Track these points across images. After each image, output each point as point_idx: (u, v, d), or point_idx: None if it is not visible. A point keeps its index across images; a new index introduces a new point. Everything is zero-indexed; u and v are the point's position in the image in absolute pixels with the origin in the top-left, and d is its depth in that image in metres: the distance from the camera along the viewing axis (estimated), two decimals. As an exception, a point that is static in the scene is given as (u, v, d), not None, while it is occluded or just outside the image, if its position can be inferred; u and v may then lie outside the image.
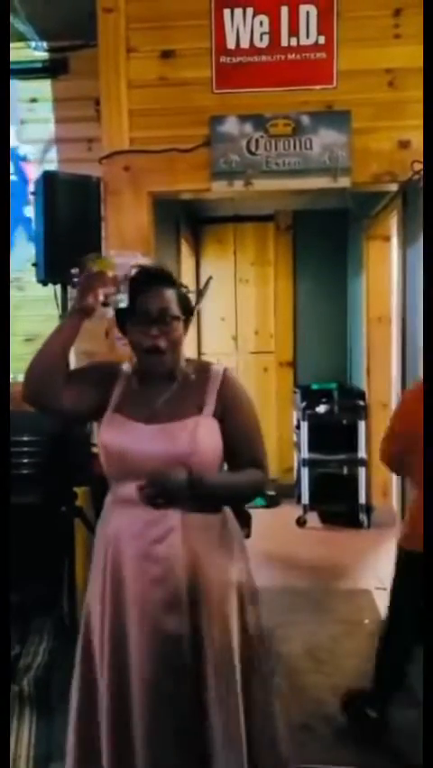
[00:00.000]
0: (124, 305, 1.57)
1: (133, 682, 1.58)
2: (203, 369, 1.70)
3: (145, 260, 3.29)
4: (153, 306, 1.60)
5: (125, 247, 3.29)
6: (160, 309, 1.60)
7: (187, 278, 5.18)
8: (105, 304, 1.56)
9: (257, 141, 3.23)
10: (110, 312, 1.61)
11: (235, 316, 6.07)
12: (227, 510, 1.71)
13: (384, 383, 4.76)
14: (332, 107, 3.22)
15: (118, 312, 1.61)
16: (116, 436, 1.62)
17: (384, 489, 4.87)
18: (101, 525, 1.73)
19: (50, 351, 1.63)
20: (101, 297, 1.55)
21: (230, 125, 3.23)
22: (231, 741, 1.58)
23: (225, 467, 1.71)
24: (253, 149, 3.23)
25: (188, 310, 1.67)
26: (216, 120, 3.24)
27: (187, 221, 5.37)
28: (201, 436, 1.60)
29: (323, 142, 3.20)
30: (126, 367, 1.74)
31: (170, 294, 1.63)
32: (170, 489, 1.52)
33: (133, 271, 1.63)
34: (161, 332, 1.60)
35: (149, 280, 1.62)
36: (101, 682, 1.65)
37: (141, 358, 1.66)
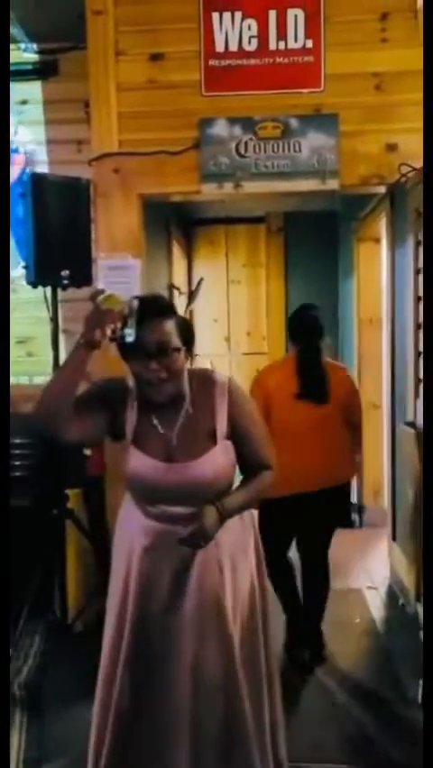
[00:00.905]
0: (131, 339, 1.57)
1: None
2: (208, 383, 1.72)
3: (135, 263, 3.32)
4: (152, 339, 1.60)
5: (115, 249, 3.31)
6: (158, 342, 1.61)
7: (179, 279, 5.19)
8: (112, 339, 1.57)
9: (246, 143, 3.25)
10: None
11: (228, 318, 6.09)
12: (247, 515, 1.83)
13: (375, 384, 4.77)
14: (320, 110, 3.24)
15: (120, 343, 1.62)
16: (141, 471, 1.67)
17: (376, 488, 4.89)
18: (122, 535, 1.80)
19: (59, 386, 1.64)
20: (108, 332, 1.55)
21: (219, 128, 3.25)
22: (257, 730, 1.70)
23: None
24: (242, 151, 3.25)
25: (188, 339, 1.69)
26: (205, 122, 3.26)
27: (178, 223, 5.39)
28: (220, 466, 1.69)
29: (311, 145, 3.22)
30: (132, 383, 1.73)
31: (170, 325, 1.63)
32: (208, 532, 1.61)
33: (135, 303, 1.60)
34: (161, 365, 1.61)
35: (147, 312, 1.60)
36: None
37: (142, 388, 1.68)
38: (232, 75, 3.26)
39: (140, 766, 1.71)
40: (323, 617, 2.94)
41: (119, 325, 1.55)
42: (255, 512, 1.93)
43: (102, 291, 1.58)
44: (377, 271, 4.76)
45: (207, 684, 1.66)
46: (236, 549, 1.76)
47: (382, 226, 4.27)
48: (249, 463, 1.77)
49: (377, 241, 4.73)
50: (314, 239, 5.87)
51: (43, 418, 1.64)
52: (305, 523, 2.85)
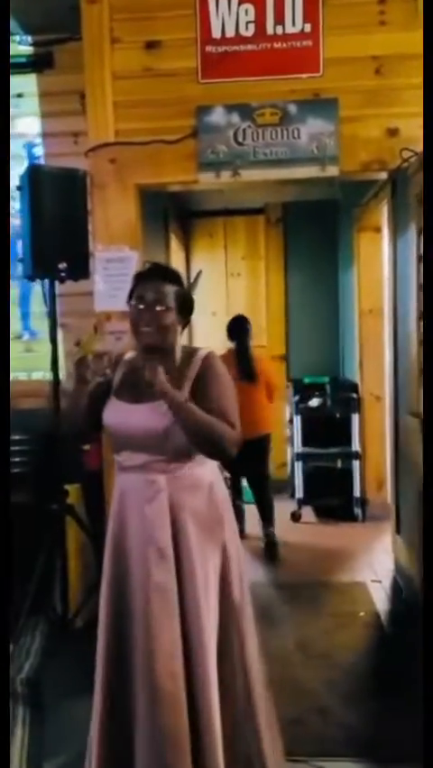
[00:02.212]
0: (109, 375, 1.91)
1: (130, 626, 1.81)
2: (190, 354, 1.91)
3: (133, 255, 3.28)
4: (147, 294, 1.85)
5: (112, 241, 3.26)
6: (152, 298, 1.84)
7: (143, 268, 5.12)
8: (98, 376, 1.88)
9: (244, 130, 3.19)
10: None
11: (227, 310, 6.03)
12: (215, 481, 1.90)
13: (377, 375, 4.74)
14: (319, 95, 3.19)
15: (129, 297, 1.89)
16: (112, 417, 1.89)
17: (379, 482, 4.85)
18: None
19: (69, 411, 2.02)
20: (89, 377, 1.86)
21: (217, 115, 3.20)
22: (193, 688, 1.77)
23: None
24: (240, 139, 3.20)
25: (185, 308, 1.91)
26: (202, 110, 3.20)
27: (176, 214, 5.34)
28: (169, 416, 1.80)
29: (310, 131, 3.17)
30: (129, 355, 1.99)
31: (167, 288, 1.86)
32: (154, 378, 1.75)
33: (147, 265, 1.95)
34: (151, 315, 1.84)
35: (150, 274, 1.90)
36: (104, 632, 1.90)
37: (134, 335, 1.90)
38: (229, 61, 3.20)
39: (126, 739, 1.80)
40: (272, 517, 4.31)
41: (99, 367, 1.86)
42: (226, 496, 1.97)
43: (88, 336, 1.86)
44: (378, 261, 4.71)
45: (156, 613, 1.76)
46: (196, 510, 1.84)
47: (383, 215, 4.22)
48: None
49: (378, 230, 4.68)
50: (313, 229, 5.82)
51: (74, 436, 2.14)
52: (252, 460, 4.21)
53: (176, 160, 3.24)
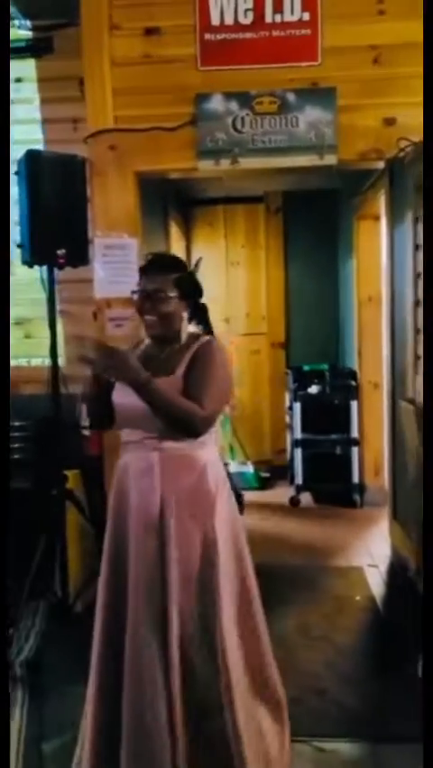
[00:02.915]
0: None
1: (126, 589, 1.90)
2: (194, 339, 1.97)
3: (132, 242, 3.30)
4: (147, 285, 1.93)
5: (112, 228, 3.29)
6: (152, 288, 1.91)
7: (144, 260, 5.14)
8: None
9: (243, 118, 3.21)
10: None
11: (227, 299, 6.05)
12: (211, 462, 1.95)
13: (376, 363, 4.76)
14: (317, 84, 3.19)
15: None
16: (116, 395, 1.98)
17: (376, 468, 4.89)
18: None
19: (91, 406, 2.13)
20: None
21: (216, 103, 3.21)
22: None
23: None
24: (239, 126, 3.21)
25: (189, 293, 1.97)
26: (201, 98, 3.22)
27: (176, 203, 5.34)
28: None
29: (309, 120, 3.18)
30: (146, 341, 2.07)
31: (166, 277, 1.93)
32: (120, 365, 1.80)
33: (148, 257, 2.01)
34: (152, 305, 1.92)
35: (151, 265, 1.98)
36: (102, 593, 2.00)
37: (143, 323, 2.00)
38: (228, 49, 3.21)
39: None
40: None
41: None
42: (224, 478, 2.01)
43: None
44: (377, 249, 4.72)
45: (145, 578, 1.86)
46: (186, 485, 1.91)
47: (381, 203, 4.23)
48: (188, 396, 1.89)
49: (377, 218, 4.69)
50: (313, 218, 5.82)
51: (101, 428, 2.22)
52: None
53: (175, 147, 3.25)
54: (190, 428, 1.88)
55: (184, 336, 1.98)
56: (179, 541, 1.88)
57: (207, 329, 2.04)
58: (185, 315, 1.98)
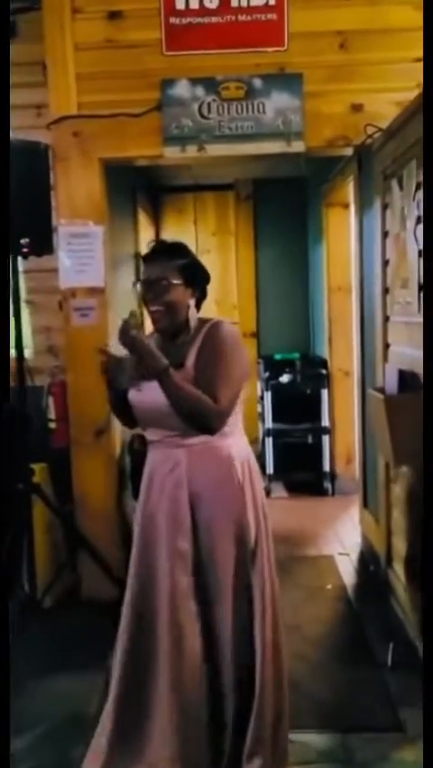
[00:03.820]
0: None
1: (154, 587, 1.91)
2: (201, 325, 1.92)
3: (98, 230, 3.24)
4: (149, 275, 1.88)
5: (76, 215, 3.22)
6: (153, 278, 1.87)
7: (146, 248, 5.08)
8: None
9: (209, 104, 3.16)
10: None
11: (198, 288, 6.00)
12: (238, 453, 1.91)
13: (346, 352, 4.77)
14: (284, 70, 3.15)
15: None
16: (132, 395, 1.94)
17: (348, 456, 4.92)
18: None
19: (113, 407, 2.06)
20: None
21: (181, 89, 3.15)
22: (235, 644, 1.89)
23: None
24: (205, 113, 3.16)
25: (195, 279, 1.92)
26: (166, 83, 3.16)
27: (145, 190, 5.27)
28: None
29: (276, 106, 3.14)
30: (155, 336, 2.00)
31: (168, 265, 1.87)
32: (131, 337, 1.76)
33: (150, 245, 1.96)
34: (155, 295, 1.87)
35: (152, 253, 1.93)
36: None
37: (149, 317, 1.96)
38: (193, 33, 3.15)
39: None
40: None
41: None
42: (251, 463, 1.97)
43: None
44: (346, 237, 4.72)
45: (178, 577, 1.88)
46: (213, 484, 1.89)
47: (350, 191, 4.21)
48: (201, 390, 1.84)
49: (346, 206, 4.68)
50: (283, 206, 5.80)
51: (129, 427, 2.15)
52: None
53: (140, 133, 3.19)
54: (204, 424, 1.83)
55: (192, 325, 1.92)
56: (213, 534, 1.87)
57: None
58: (191, 302, 1.91)
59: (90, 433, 3.30)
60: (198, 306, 1.96)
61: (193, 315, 1.92)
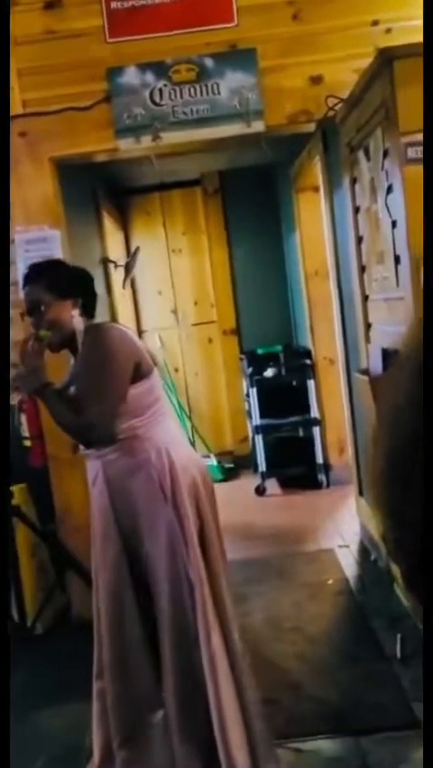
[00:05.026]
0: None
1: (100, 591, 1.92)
2: (86, 334, 1.89)
3: (55, 234, 3.07)
4: (26, 302, 1.94)
5: (32, 221, 3.05)
6: (29, 304, 1.92)
7: (116, 253, 4.93)
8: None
9: (160, 90, 3.00)
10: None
11: (173, 289, 5.86)
12: (156, 455, 1.84)
13: (329, 338, 4.62)
14: (236, 47, 3.01)
15: None
16: None
17: (340, 445, 4.76)
18: None
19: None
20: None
21: (129, 76, 3.00)
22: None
23: None
24: (157, 99, 3.01)
25: (68, 290, 1.90)
26: (113, 72, 3.00)
27: (108, 193, 5.11)
28: None
29: (230, 86, 2.99)
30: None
31: (39, 287, 1.89)
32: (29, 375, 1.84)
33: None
34: (36, 320, 1.89)
35: (25, 281, 1.96)
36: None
37: None
38: (137, 17, 3.00)
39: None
40: None
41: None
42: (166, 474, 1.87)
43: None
44: (319, 222, 4.57)
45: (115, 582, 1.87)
46: (145, 499, 1.85)
47: (318, 172, 4.08)
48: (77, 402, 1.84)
49: (316, 189, 4.54)
50: (253, 196, 5.66)
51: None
52: None
53: (91, 127, 3.03)
54: (82, 439, 1.84)
55: (79, 335, 1.91)
56: (144, 541, 1.84)
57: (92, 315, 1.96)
58: (75, 313, 1.90)
59: (68, 447, 3.13)
60: (90, 311, 1.94)
61: (78, 326, 1.90)
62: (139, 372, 1.83)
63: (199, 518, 1.87)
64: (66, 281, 1.93)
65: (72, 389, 1.88)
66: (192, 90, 2.99)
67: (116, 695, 1.88)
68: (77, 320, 1.90)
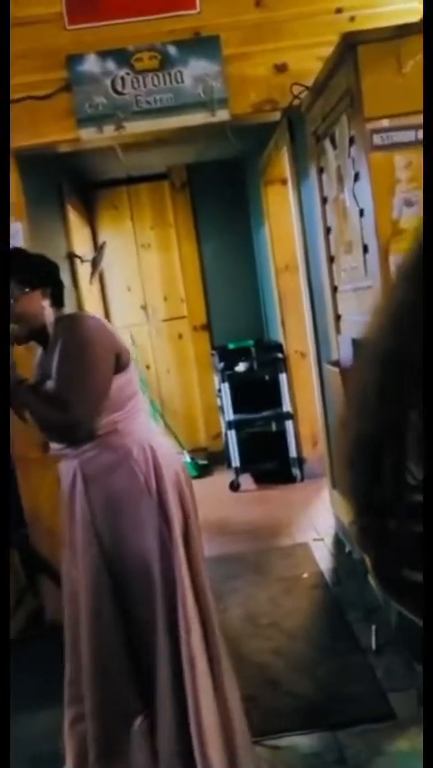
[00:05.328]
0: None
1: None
2: (59, 324, 1.79)
3: (16, 227, 2.99)
4: None
5: (-8, 213, 2.96)
6: None
7: (83, 248, 4.85)
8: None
9: (123, 78, 2.94)
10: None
11: (142, 285, 5.79)
12: (138, 450, 1.76)
13: (300, 332, 4.59)
14: (199, 34, 2.95)
15: None
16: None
17: (313, 439, 4.75)
18: None
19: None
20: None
21: (90, 64, 2.93)
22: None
23: None
24: (119, 88, 2.94)
25: (36, 278, 1.78)
26: (73, 59, 2.93)
27: (74, 187, 5.02)
28: None
29: (194, 74, 2.94)
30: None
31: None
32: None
33: None
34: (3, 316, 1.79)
35: None
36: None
37: None
38: (98, 3, 2.93)
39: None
40: None
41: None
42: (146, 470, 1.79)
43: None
44: (288, 214, 4.54)
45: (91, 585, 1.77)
46: (128, 497, 1.76)
47: (286, 164, 4.04)
48: (57, 398, 1.71)
49: (284, 182, 4.51)
50: (221, 190, 5.60)
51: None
52: None
53: (52, 117, 2.96)
54: (63, 437, 1.73)
55: (50, 327, 1.80)
56: (122, 540, 1.76)
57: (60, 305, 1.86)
58: (45, 303, 1.79)
59: (37, 446, 3.05)
60: (60, 301, 1.84)
61: (49, 318, 1.80)
62: (119, 364, 1.75)
63: (183, 514, 1.80)
64: (34, 270, 1.81)
65: (48, 384, 1.74)
66: (155, 79, 2.93)
67: (96, 703, 1.78)
68: (47, 311, 1.80)
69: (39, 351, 1.90)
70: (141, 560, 1.75)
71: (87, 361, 1.68)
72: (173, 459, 1.85)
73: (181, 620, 1.73)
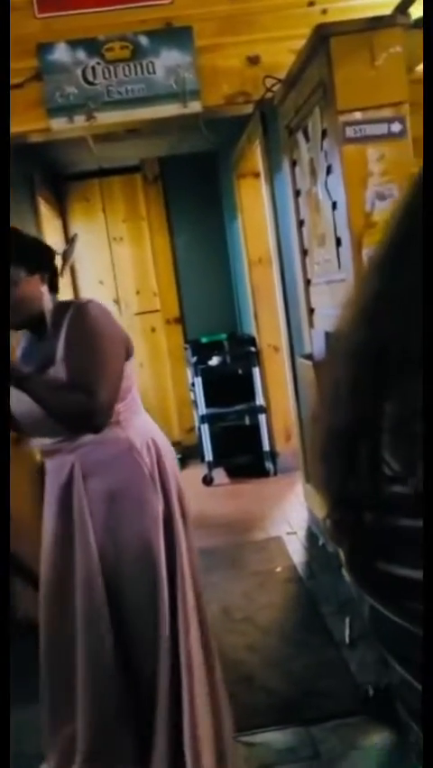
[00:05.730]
0: None
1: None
2: (63, 311, 1.68)
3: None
4: None
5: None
6: None
7: (54, 241, 4.78)
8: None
9: (93, 68, 2.90)
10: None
11: (114, 278, 5.73)
12: (141, 444, 1.71)
13: (273, 325, 4.59)
14: (172, 25, 2.92)
15: None
16: (12, 404, 1.66)
17: (287, 432, 4.76)
18: None
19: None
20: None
21: (61, 53, 2.88)
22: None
23: None
24: (90, 78, 2.90)
25: (33, 260, 1.68)
26: (43, 48, 2.88)
27: (45, 179, 4.95)
28: None
29: (166, 64, 2.91)
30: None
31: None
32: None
33: None
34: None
35: None
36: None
37: None
38: (67, -9, 2.88)
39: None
40: None
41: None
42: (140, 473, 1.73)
43: None
44: (261, 208, 4.53)
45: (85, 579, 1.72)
46: (129, 492, 1.71)
47: (258, 157, 4.03)
48: (73, 383, 1.63)
49: (257, 175, 4.50)
50: (194, 184, 5.58)
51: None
52: None
53: (22, 107, 2.90)
54: (85, 424, 1.61)
55: (49, 315, 1.69)
56: (123, 539, 1.70)
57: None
58: (44, 289, 1.69)
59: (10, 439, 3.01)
60: (56, 287, 1.75)
61: (48, 304, 1.70)
62: (127, 352, 1.71)
63: (181, 508, 1.77)
64: (34, 253, 1.70)
65: (51, 372, 1.65)
66: (127, 69, 2.90)
67: (91, 707, 1.73)
68: (46, 297, 1.70)
69: (22, 339, 1.82)
70: (143, 559, 1.70)
71: (107, 347, 1.62)
72: (172, 454, 1.82)
73: (181, 617, 1.71)
